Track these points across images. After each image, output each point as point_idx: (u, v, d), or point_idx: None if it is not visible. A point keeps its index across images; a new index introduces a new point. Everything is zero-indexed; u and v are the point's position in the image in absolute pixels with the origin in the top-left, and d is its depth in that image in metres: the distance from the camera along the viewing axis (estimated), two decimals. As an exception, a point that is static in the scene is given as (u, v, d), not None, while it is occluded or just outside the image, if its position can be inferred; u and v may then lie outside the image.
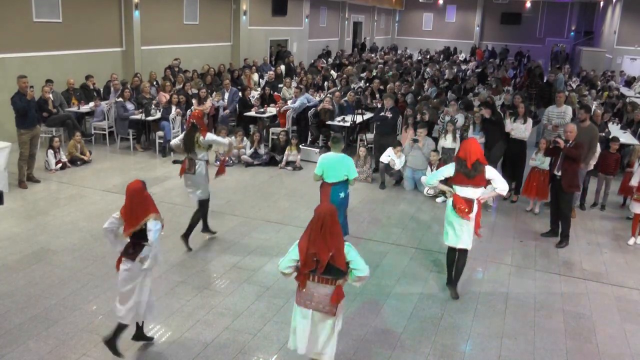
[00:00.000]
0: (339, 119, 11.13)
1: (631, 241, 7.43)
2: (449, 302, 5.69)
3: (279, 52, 20.42)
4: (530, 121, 8.74)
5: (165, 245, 6.26)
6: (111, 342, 4.49)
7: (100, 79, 12.30)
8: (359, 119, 11.17)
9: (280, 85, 14.20)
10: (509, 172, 8.92)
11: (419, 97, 12.57)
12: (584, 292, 6.06)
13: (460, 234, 5.62)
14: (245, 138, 10.68)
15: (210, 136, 6.59)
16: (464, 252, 5.75)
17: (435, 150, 9.26)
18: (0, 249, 6.44)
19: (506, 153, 8.93)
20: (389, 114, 9.82)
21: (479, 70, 21.50)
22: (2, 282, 5.67)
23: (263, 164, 10.32)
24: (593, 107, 12.37)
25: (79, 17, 12.19)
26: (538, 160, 8.26)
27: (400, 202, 8.77)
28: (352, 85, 14.62)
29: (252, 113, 11.83)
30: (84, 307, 5.28)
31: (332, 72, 18.19)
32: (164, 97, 11.52)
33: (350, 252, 3.89)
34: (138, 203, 4.37)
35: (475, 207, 5.60)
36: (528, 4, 30.76)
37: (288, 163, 10.27)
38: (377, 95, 13.27)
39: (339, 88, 13.57)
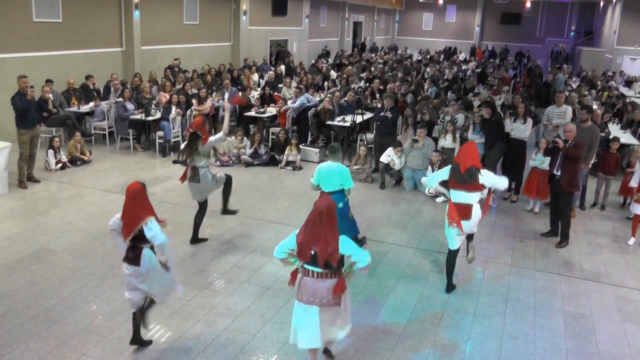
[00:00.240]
0: (339, 119, 11.13)
1: (631, 241, 7.43)
2: (449, 302, 5.70)
3: (279, 52, 20.42)
4: (530, 121, 8.75)
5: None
6: (137, 339, 4.64)
7: (100, 79, 12.30)
8: (359, 119, 11.16)
9: (280, 85, 14.20)
10: (509, 172, 8.92)
11: (419, 97, 12.57)
12: (584, 292, 6.06)
13: (462, 235, 5.70)
14: (245, 138, 10.68)
15: (210, 141, 6.47)
16: (471, 235, 5.89)
17: (437, 150, 9.26)
18: (0, 249, 6.45)
19: (506, 153, 8.93)
20: (389, 114, 9.82)
21: (479, 70, 21.51)
22: (2, 282, 5.68)
23: (263, 164, 10.32)
24: (594, 107, 12.37)
25: (79, 17, 12.19)
26: (538, 160, 8.26)
27: (400, 202, 8.77)
28: (352, 85, 14.62)
29: (252, 113, 11.83)
30: (84, 307, 5.28)
31: (332, 72, 18.19)
32: (164, 97, 11.52)
33: (347, 247, 3.94)
34: (136, 206, 4.36)
35: (476, 211, 5.60)
36: (528, 4, 30.76)
37: (288, 163, 10.27)
38: (377, 95, 13.27)
39: (339, 88, 13.57)
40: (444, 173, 5.75)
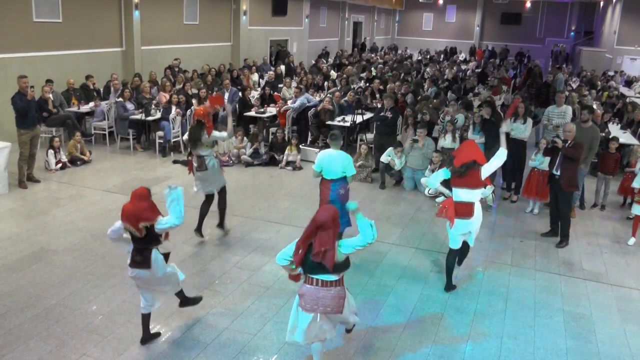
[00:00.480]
0: (339, 119, 11.13)
1: (631, 241, 7.43)
2: (449, 302, 5.70)
3: (278, 52, 20.42)
4: (530, 121, 8.74)
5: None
6: (147, 337, 4.72)
7: (100, 79, 12.30)
8: (359, 119, 11.17)
9: (280, 85, 14.19)
10: (509, 172, 8.93)
11: (419, 97, 12.58)
12: (584, 292, 6.06)
13: (464, 235, 5.71)
14: (245, 138, 10.68)
15: (214, 134, 6.56)
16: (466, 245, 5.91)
17: (437, 150, 9.26)
18: (0, 249, 6.45)
19: (506, 153, 8.92)
20: (389, 114, 9.82)
21: (479, 70, 21.51)
22: (2, 282, 5.68)
23: (263, 164, 10.32)
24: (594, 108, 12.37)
25: (79, 17, 12.19)
26: (537, 161, 8.25)
27: (400, 202, 8.77)
28: (352, 85, 14.62)
29: (252, 113, 11.83)
30: (84, 307, 5.28)
31: (332, 72, 18.19)
32: (164, 97, 11.52)
33: (347, 247, 3.96)
34: (140, 208, 4.37)
35: (477, 209, 5.62)
36: (528, 4, 30.76)
37: (288, 163, 10.27)
38: (377, 95, 13.27)
39: (339, 88, 13.57)
40: (445, 172, 5.77)
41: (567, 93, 11.59)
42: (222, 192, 6.88)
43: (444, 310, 5.53)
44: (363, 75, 18.08)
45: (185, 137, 7.13)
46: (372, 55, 25.98)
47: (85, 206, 7.92)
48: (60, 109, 10.67)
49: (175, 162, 10.26)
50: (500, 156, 5.68)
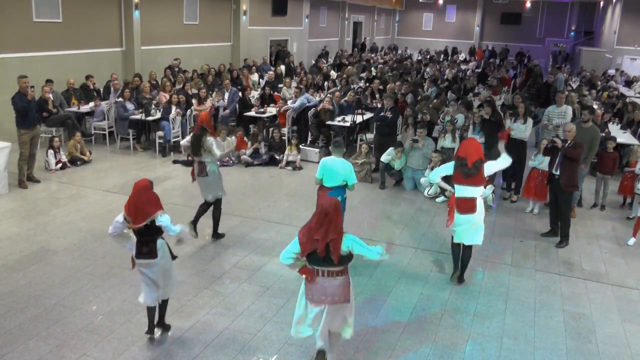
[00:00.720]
0: (339, 119, 11.13)
1: (631, 241, 7.42)
2: (449, 302, 5.70)
3: (278, 52, 20.42)
4: (530, 121, 8.73)
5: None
6: (152, 331, 4.77)
7: (100, 79, 12.30)
8: (359, 119, 11.17)
9: (280, 85, 14.19)
10: (509, 172, 8.92)
11: (419, 97, 12.58)
12: (584, 292, 6.06)
13: (466, 232, 5.71)
14: (245, 138, 10.67)
15: (212, 142, 6.50)
16: (469, 246, 5.89)
17: (437, 150, 9.26)
18: (0, 249, 6.45)
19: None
20: (389, 114, 9.82)
21: (479, 70, 21.51)
22: (2, 282, 5.68)
23: (263, 164, 10.32)
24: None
25: (79, 17, 12.19)
26: (537, 161, 8.24)
27: (400, 202, 8.77)
28: (352, 85, 14.62)
29: (252, 113, 11.83)
30: (84, 307, 5.28)
31: (332, 72, 18.19)
32: (164, 97, 11.52)
33: (354, 246, 3.97)
34: (145, 199, 4.46)
35: (480, 204, 5.64)
36: (528, 4, 30.77)
37: (288, 163, 10.27)
38: (377, 95, 13.27)
39: (339, 88, 13.57)
40: (447, 168, 5.79)
41: (566, 93, 11.59)
42: (217, 202, 6.83)
43: (444, 310, 5.53)
44: (363, 75, 18.09)
45: (184, 142, 7.05)
46: (372, 55, 25.99)
47: (85, 206, 7.92)
48: (60, 109, 10.67)
49: (175, 162, 10.26)
50: (505, 160, 5.79)
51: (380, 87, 13.89)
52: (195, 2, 15.99)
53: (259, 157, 10.39)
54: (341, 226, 3.98)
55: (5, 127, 10.09)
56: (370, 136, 11.05)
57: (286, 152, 10.37)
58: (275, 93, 13.22)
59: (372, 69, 19.40)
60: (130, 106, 11.05)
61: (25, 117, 8.51)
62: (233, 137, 10.55)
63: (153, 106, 11.10)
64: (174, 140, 10.98)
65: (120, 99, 11.08)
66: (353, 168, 6.31)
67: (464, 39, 33.24)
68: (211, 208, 6.86)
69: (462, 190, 5.61)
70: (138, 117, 10.85)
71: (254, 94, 13.07)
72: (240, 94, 12.54)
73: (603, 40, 27.20)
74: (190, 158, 6.77)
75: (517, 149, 8.68)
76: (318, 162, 10.27)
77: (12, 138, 9.07)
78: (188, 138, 6.93)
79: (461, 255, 5.97)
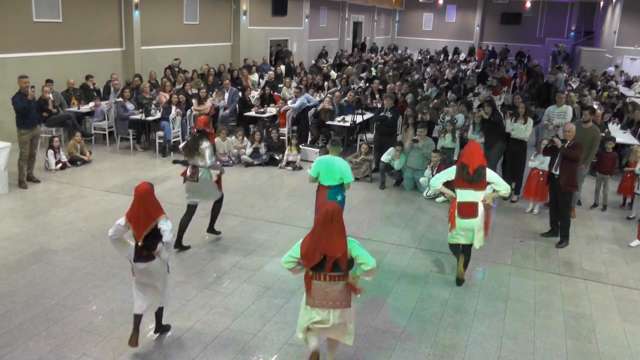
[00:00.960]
0: (339, 119, 11.13)
1: (634, 243, 7.38)
2: (449, 302, 5.70)
3: (278, 52, 20.41)
4: (530, 121, 8.73)
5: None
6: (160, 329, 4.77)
7: (100, 79, 12.30)
8: (359, 119, 11.17)
9: (280, 85, 14.20)
10: (509, 172, 8.93)
11: (419, 97, 12.58)
12: (584, 292, 6.06)
13: (466, 235, 5.72)
14: (245, 138, 10.67)
15: (205, 147, 6.37)
16: (468, 245, 5.88)
17: (437, 150, 9.26)
18: (0, 249, 6.45)
19: (506, 153, 8.93)
20: (389, 114, 9.83)
21: (479, 70, 21.51)
22: (2, 282, 5.67)
23: (263, 164, 10.32)
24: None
25: (79, 17, 12.19)
26: (537, 161, 8.24)
27: (400, 202, 8.77)
28: (352, 85, 14.62)
29: (252, 113, 11.83)
30: (84, 307, 5.28)
31: (332, 72, 18.19)
32: (164, 97, 11.52)
33: (355, 247, 3.95)
34: (149, 204, 4.43)
35: (481, 209, 5.64)
36: (528, 4, 30.76)
37: (288, 163, 10.27)
38: (377, 95, 13.27)
39: (339, 88, 13.57)
40: (449, 174, 5.76)
41: (566, 93, 11.59)
42: (218, 201, 6.78)
43: (444, 310, 5.53)
44: (363, 75, 18.09)
45: (183, 145, 7.00)
46: (372, 55, 25.99)
47: (85, 206, 7.92)
48: (60, 109, 10.67)
49: (175, 162, 10.26)
50: (506, 189, 5.72)
51: (380, 87, 13.89)
52: (195, 2, 15.99)
53: (259, 157, 10.39)
54: (345, 234, 3.95)
55: (5, 127, 10.10)
56: (370, 136, 11.05)
57: (286, 152, 10.37)
58: (275, 93, 13.22)
59: (372, 69, 19.41)
60: (130, 106, 11.05)
61: (26, 117, 8.51)
62: (233, 137, 10.56)
63: (153, 106, 11.10)
64: (174, 140, 10.98)
65: (120, 99, 11.08)
66: (350, 166, 6.27)
67: (464, 39, 33.24)
68: (209, 210, 6.84)
69: (464, 195, 5.60)
70: (138, 117, 10.85)
71: (254, 94, 13.08)
72: (240, 94, 12.55)
73: (603, 40, 27.20)
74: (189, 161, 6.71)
75: (517, 149, 8.71)
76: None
77: (12, 138, 9.08)
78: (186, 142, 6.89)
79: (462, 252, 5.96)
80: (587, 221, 8.24)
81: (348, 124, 10.98)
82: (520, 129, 8.58)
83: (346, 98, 11.83)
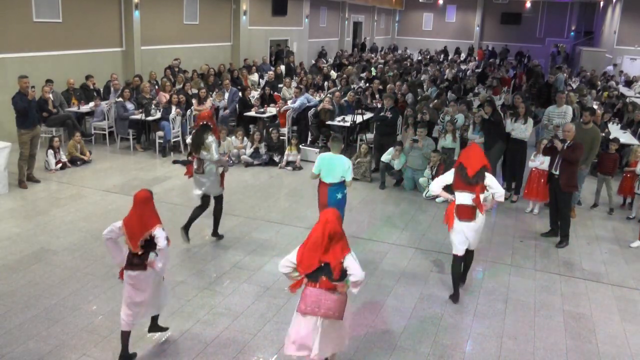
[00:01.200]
0: (339, 119, 11.13)
1: (635, 244, 7.37)
2: (449, 302, 5.69)
3: (278, 52, 20.40)
4: (530, 121, 8.73)
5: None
6: (125, 355, 4.48)
7: (100, 79, 12.30)
8: (359, 119, 11.17)
9: (280, 85, 14.20)
10: (509, 172, 8.93)
11: (419, 97, 12.58)
12: (584, 292, 6.06)
13: (466, 239, 5.61)
14: (245, 138, 10.67)
15: (212, 141, 6.44)
16: (470, 251, 5.81)
17: (436, 150, 9.26)
18: (0, 249, 6.45)
19: (506, 153, 8.92)
20: (389, 114, 9.83)
21: (479, 70, 21.51)
22: (2, 282, 5.68)
23: (263, 164, 10.32)
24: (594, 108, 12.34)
25: (79, 17, 12.19)
26: (537, 161, 8.23)
27: (400, 202, 8.77)
28: (352, 85, 14.62)
29: (252, 113, 11.83)
30: (84, 307, 5.28)
31: (332, 72, 18.19)
32: (164, 97, 11.52)
33: (347, 258, 3.90)
34: (145, 213, 4.34)
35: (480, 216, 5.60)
36: (528, 4, 30.77)
37: (288, 163, 10.27)
38: (377, 95, 13.27)
39: (339, 88, 13.57)
40: (448, 177, 5.69)
41: (566, 93, 11.60)
42: (219, 199, 6.80)
43: (444, 310, 5.53)
44: (363, 75, 18.09)
45: (189, 140, 7.07)
46: (372, 55, 25.99)
47: (85, 206, 7.92)
48: (60, 109, 10.67)
49: (175, 162, 10.26)
50: (501, 194, 5.63)
51: (380, 87, 13.89)
52: (195, 2, 15.99)
53: (259, 157, 10.39)
54: (346, 244, 3.93)
55: (5, 127, 10.10)
56: (370, 136, 11.06)
57: (286, 152, 10.37)
58: (275, 93, 13.22)
59: (372, 69, 19.41)
60: (130, 106, 11.05)
61: (26, 117, 8.51)
62: (233, 137, 10.55)
63: (153, 106, 11.10)
64: (174, 140, 10.98)
65: (120, 99, 11.08)
66: (351, 164, 6.27)
67: (464, 39, 33.24)
68: (209, 209, 6.85)
69: (462, 197, 5.52)
70: (138, 117, 10.85)
71: (254, 94, 13.08)
72: (240, 94, 12.55)
73: (603, 40, 27.20)
74: (190, 158, 6.74)
75: (517, 149, 8.70)
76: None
77: (12, 138, 9.08)
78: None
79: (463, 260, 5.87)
80: (587, 221, 8.24)
81: (348, 124, 10.98)
82: (520, 129, 8.57)
83: (346, 98, 11.83)
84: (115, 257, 4.47)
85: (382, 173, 9.46)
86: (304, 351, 3.98)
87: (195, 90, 12.41)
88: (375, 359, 4.72)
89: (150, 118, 10.87)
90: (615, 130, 11.02)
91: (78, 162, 9.83)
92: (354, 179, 7.02)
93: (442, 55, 28.50)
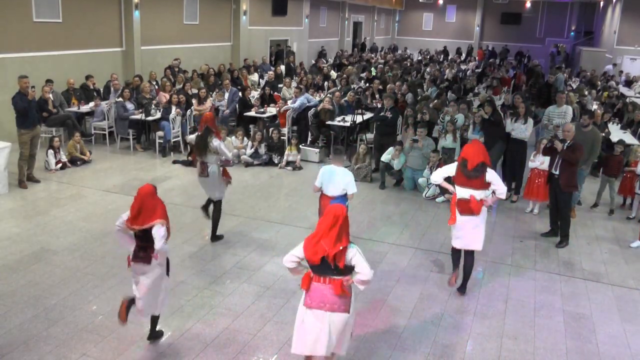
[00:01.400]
0: (339, 119, 11.13)
1: (635, 244, 7.37)
2: (449, 302, 5.69)
3: (278, 52, 20.40)
4: (530, 121, 8.73)
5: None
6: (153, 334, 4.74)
7: (100, 79, 12.30)
8: (359, 119, 11.17)
9: (280, 85, 14.20)
10: (509, 172, 8.92)
11: (419, 97, 12.58)
12: (584, 292, 6.06)
13: (467, 235, 5.61)
14: (245, 138, 10.67)
15: (219, 143, 6.51)
16: (470, 252, 5.78)
17: (435, 150, 9.26)
18: (0, 249, 6.45)
19: (506, 153, 8.93)
20: (389, 114, 9.83)
21: (479, 70, 21.51)
22: (2, 282, 5.68)
23: (263, 164, 10.31)
24: (594, 107, 12.38)
25: (79, 17, 12.19)
26: (537, 161, 8.23)
27: (400, 202, 8.77)
28: (352, 85, 14.62)
29: (252, 113, 11.83)
30: (84, 307, 5.28)
31: (332, 72, 18.19)
32: (164, 97, 11.52)
33: (356, 256, 3.90)
34: (147, 207, 4.40)
35: (483, 211, 5.60)
36: (528, 4, 30.78)
37: (288, 163, 10.27)
38: (377, 95, 13.27)
39: (339, 88, 13.57)
40: (450, 169, 5.72)
41: (566, 93, 11.60)
42: (217, 204, 6.82)
43: (444, 310, 5.53)
44: (363, 75, 18.09)
45: (191, 138, 7.10)
46: (372, 55, 25.99)
47: (85, 206, 7.92)
48: (60, 109, 10.67)
49: (175, 162, 10.26)
50: (503, 191, 5.65)
51: (380, 87, 13.89)
52: (195, 2, 15.99)
53: (259, 157, 10.39)
54: (348, 236, 3.94)
55: (5, 127, 10.10)
56: (370, 136, 11.06)
57: (286, 152, 10.37)
58: (275, 93, 13.22)
59: (372, 69, 19.41)
60: (130, 106, 11.05)
61: (26, 117, 8.51)
62: (233, 137, 10.55)
63: (153, 106, 11.10)
64: (174, 140, 10.98)
65: (120, 99, 11.08)
66: (353, 177, 6.22)
67: (464, 39, 33.24)
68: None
69: (463, 192, 5.56)
70: (138, 117, 10.85)
71: (254, 94, 13.08)
72: (240, 94, 12.55)
73: (603, 40, 27.20)
74: (190, 158, 6.77)
75: (517, 149, 8.71)
76: (318, 162, 10.32)
77: (12, 138, 9.08)
78: (193, 137, 6.93)
79: (463, 263, 5.85)
80: (587, 221, 8.24)
81: (348, 124, 10.98)
82: (520, 129, 8.58)
83: (346, 98, 11.83)
84: (125, 245, 4.58)
85: (382, 173, 9.46)
86: (311, 349, 3.99)
87: (195, 90, 12.41)
88: (375, 359, 4.72)
89: (150, 118, 10.87)
90: (615, 130, 11.02)
91: (78, 162, 9.83)
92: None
93: (442, 56, 28.49)
